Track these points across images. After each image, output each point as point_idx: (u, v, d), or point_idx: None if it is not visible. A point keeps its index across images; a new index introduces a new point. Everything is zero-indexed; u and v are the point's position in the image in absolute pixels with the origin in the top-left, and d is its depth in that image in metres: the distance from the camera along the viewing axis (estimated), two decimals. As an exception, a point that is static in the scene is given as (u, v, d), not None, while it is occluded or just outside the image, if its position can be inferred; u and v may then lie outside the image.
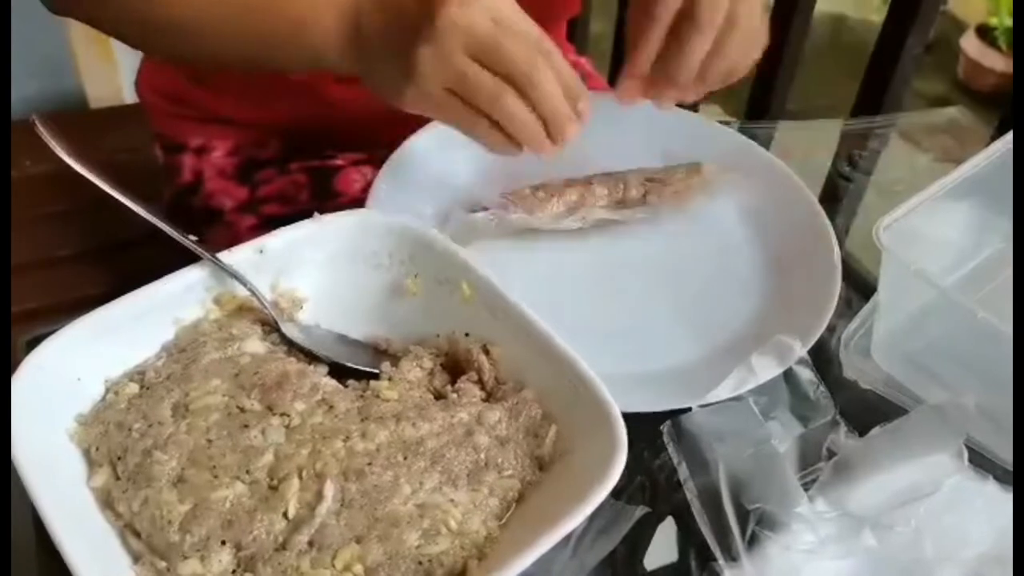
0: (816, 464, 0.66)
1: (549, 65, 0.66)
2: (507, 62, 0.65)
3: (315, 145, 1.03)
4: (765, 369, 0.69)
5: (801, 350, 0.70)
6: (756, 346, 0.71)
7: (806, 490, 0.64)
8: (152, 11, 0.74)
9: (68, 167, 0.60)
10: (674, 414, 0.67)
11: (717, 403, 0.67)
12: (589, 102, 0.69)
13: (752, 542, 0.61)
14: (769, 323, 0.76)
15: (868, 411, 0.70)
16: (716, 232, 0.86)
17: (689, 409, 0.67)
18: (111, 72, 1.75)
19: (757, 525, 0.61)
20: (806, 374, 0.71)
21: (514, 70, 0.65)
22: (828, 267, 0.78)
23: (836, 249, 0.79)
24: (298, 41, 0.71)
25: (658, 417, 0.67)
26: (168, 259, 0.62)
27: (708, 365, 0.72)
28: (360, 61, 0.70)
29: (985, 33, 2.78)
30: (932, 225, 0.74)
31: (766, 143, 0.91)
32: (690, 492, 0.64)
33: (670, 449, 0.66)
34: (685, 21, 0.72)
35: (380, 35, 0.68)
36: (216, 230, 1.02)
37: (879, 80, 1.21)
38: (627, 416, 0.55)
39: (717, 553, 0.61)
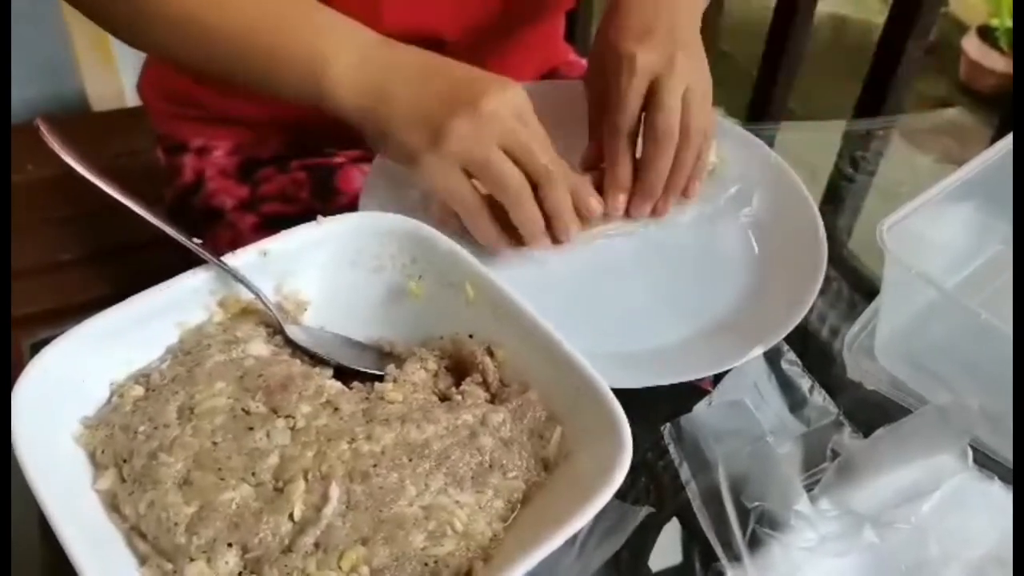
0: (820, 465, 0.66)
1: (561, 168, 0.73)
2: (533, 161, 0.71)
3: (315, 143, 1.03)
4: (741, 353, 0.70)
5: (777, 338, 0.71)
6: (737, 331, 0.74)
7: (810, 491, 0.64)
8: (151, 4, 0.74)
9: (72, 171, 0.60)
10: (674, 415, 0.68)
11: (715, 404, 0.68)
12: (599, 203, 0.77)
13: (754, 541, 0.61)
14: (750, 312, 0.77)
15: (872, 412, 0.70)
16: (710, 220, 0.87)
17: (690, 409, 0.68)
18: (112, 74, 1.76)
19: (758, 524, 0.61)
20: (795, 372, 0.72)
21: (537, 169, 0.71)
22: (814, 259, 0.78)
23: (823, 242, 0.80)
24: (303, 69, 0.73)
25: (661, 418, 0.67)
26: (172, 262, 0.62)
27: (690, 347, 0.74)
28: (373, 112, 0.72)
29: (986, 34, 2.78)
30: (934, 226, 0.74)
31: (768, 144, 0.91)
32: (691, 492, 0.64)
33: (671, 450, 0.66)
34: (646, 134, 0.79)
35: (412, 95, 0.71)
36: (217, 230, 1.02)
37: (881, 81, 1.22)
38: (631, 417, 0.55)
39: (719, 552, 0.61)
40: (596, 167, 0.83)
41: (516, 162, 0.70)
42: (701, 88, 0.79)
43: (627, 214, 0.82)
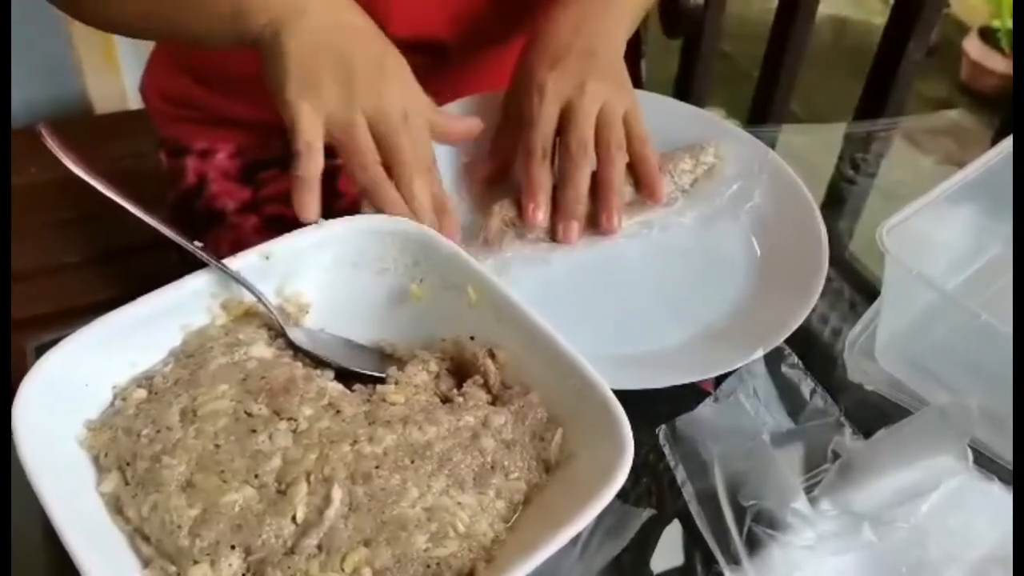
0: (821, 466, 0.66)
1: (431, 175, 0.73)
2: (395, 154, 0.71)
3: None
4: (742, 355, 0.70)
5: (779, 340, 0.71)
6: (738, 333, 0.74)
7: (811, 492, 0.64)
8: None
9: (75, 174, 0.60)
10: (675, 416, 0.68)
11: (711, 405, 0.68)
12: (457, 226, 0.74)
13: (753, 541, 0.61)
14: (751, 313, 0.77)
15: (873, 413, 0.71)
16: (712, 222, 0.87)
17: (691, 410, 0.68)
18: (115, 76, 1.76)
19: (756, 523, 0.61)
20: (797, 375, 0.72)
21: (395, 162, 0.71)
22: (815, 261, 0.78)
23: (825, 244, 0.80)
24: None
25: (662, 419, 0.68)
26: (175, 265, 0.62)
27: (692, 349, 0.74)
28: (279, 36, 0.71)
29: (987, 35, 2.78)
30: (935, 228, 0.74)
31: (769, 146, 0.91)
32: (687, 494, 0.64)
33: (667, 451, 0.67)
34: (561, 154, 0.80)
35: (323, 39, 0.71)
36: (219, 232, 1.02)
37: (882, 83, 1.22)
38: (632, 419, 0.55)
39: (717, 553, 0.61)
40: (497, 183, 0.85)
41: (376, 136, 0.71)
42: (620, 108, 0.81)
43: (553, 237, 0.82)
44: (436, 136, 0.76)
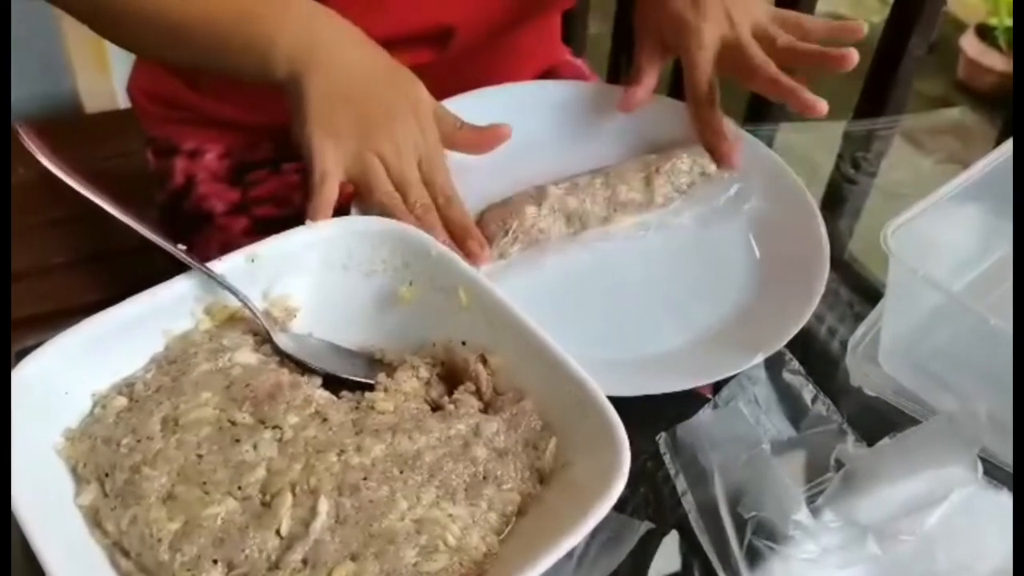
0: (824, 475, 0.65)
1: (451, 208, 0.76)
2: (407, 186, 0.75)
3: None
4: (742, 360, 0.69)
5: (779, 344, 0.70)
6: (738, 337, 0.73)
7: (814, 501, 0.62)
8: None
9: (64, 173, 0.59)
10: (673, 422, 0.66)
11: (710, 412, 0.67)
12: (483, 247, 0.76)
13: (754, 554, 0.60)
14: (751, 317, 0.76)
15: (876, 419, 0.69)
16: (710, 223, 0.85)
17: (689, 416, 0.66)
18: (105, 75, 1.75)
19: (757, 536, 0.60)
20: (798, 381, 0.70)
21: (409, 195, 0.75)
22: (816, 262, 0.77)
23: (826, 246, 0.79)
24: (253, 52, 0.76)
25: (660, 426, 0.66)
26: (165, 266, 0.61)
27: (690, 354, 0.73)
28: (300, 83, 0.75)
29: (985, 33, 2.77)
30: (939, 229, 0.73)
31: (767, 145, 0.90)
32: (687, 504, 0.63)
33: (667, 460, 0.65)
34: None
35: (335, 89, 0.75)
36: (209, 234, 1.01)
37: (881, 81, 1.20)
38: (628, 426, 0.54)
39: (717, 566, 0.59)
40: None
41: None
42: (765, 18, 0.87)
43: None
44: (465, 148, 0.82)
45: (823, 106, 0.81)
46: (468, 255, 0.73)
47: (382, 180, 0.74)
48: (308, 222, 0.66)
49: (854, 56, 0.82)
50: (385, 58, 0.79)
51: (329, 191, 0.72)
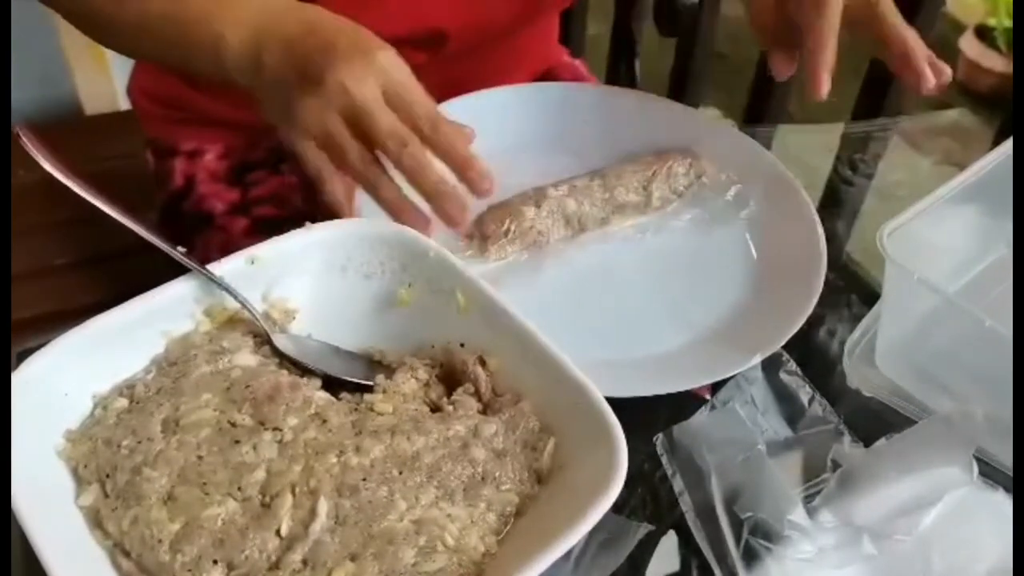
0: (820, 476, 0.65)
1: (438, 134, 0.66)
2: (376, 131, 0.66)
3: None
4: (739, 361, 0.69)
5: (777, 345, 0.71)
6: (735, 338, 0.73)
7: (811, 502, 0.63)
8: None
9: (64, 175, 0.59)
10: (670, 423, 0.66)
11: (707, 413, 0.67)
12: (487, 174, 0.67)
13: (750, 555, 0.60)
14: (748, 318, 0.76)
15: (873, 420, 0.69)
16: (708, 225, 0.86)
17: (687, 418, 0.66)
18: (105, 77, 1.75)
19: (753, 536, 0.60)
20: (795, 382, 0.71)
21: (381, 141, 0.66)
22: (813, 264, 0.77)
23: (823, 248, 0.79)
24: (200, 39, 0.72)
25: (657, 427, 0.66)
26: (165, 268, 0.61)
27: (687, 355, 0.73)
28: (256, 79, 0.70)
29: (984, 34, 2.77)
30: (936, 231, 0.73)
31: (765, 147, 0.90)
32: (685, 505, 0.63)
33: (664, 461, 0.65)
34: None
35: (278, 67, 0.69)
36: (209, 234, 1.01)
37: (879, 82, 1.20)
38: (626, 427, 0.54)
39: (714, 566, 0.60)
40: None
41: (360, 136, 0.67)
42: None
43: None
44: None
45: (930, 83, 0.75)
46: (470, 188, 0.67)
47: (347, 148, 0.67)
48: (308, 224, 0.66)
49: (941, 82, 0.76)
50: (329, 14, 0.72)
51: (332, 190, 0.68)
